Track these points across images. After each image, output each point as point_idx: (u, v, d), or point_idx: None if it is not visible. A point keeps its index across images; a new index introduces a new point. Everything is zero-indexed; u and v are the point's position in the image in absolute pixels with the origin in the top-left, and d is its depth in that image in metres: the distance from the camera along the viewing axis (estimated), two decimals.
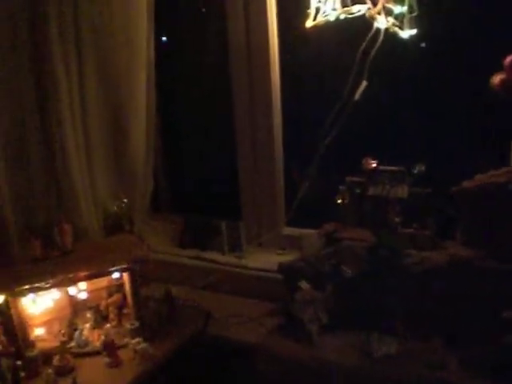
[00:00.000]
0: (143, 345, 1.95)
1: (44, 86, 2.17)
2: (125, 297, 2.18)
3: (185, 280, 2.55)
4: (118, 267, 2.02)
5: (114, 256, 2.06)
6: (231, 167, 2.69)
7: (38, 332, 2.08)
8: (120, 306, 2.24)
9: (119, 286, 2.23)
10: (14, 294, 1.88)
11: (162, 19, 2.42)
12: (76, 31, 2.09)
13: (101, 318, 2.20)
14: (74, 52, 2.13)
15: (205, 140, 2.98)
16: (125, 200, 2.53)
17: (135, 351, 1.95)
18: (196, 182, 3.06)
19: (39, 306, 2.08)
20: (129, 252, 2.07)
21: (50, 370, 1.84)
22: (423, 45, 2.14)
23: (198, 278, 2.57)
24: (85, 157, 2.31)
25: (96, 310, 2.21)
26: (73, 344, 2.05)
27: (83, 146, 2.28)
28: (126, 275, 2.07)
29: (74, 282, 2.02)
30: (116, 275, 2.07)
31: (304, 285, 2.08)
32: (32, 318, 2.06)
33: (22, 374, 1.81)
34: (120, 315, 2.21)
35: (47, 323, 2.13)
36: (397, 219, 2.11)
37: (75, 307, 2.22)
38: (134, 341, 1.98)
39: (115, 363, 1.94)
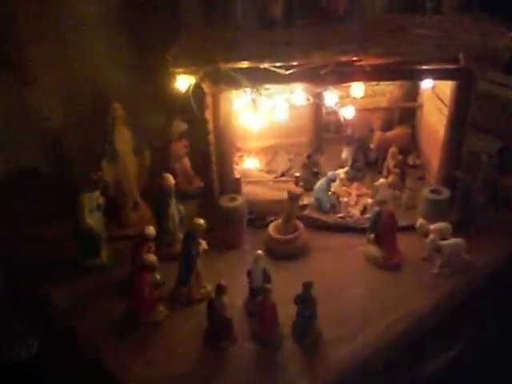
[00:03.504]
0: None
1: None
2: (413, 133, 1.21)
3: None
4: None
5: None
6: None
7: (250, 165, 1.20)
8: (403, 150, 1.25)
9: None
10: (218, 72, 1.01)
11: None
12: None
13: (365, 162, 1.25)
14: None
15: None
16: None
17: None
18: None
19: (257, 118, 1.15)
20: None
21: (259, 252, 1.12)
22: None
23: None
24: None
25: (359, 145, 1.22)
26: (309, 201, 1.15)
27: None
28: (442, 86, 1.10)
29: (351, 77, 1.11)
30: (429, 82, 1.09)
31: None
32: (242, 138, 1.17)
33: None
34: (404, 166, 1.22)
35: (266, 152, 1.23)
36: None
37: (321, 129, 1.20)
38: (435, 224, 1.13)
39: (391, 261, 1.13)
